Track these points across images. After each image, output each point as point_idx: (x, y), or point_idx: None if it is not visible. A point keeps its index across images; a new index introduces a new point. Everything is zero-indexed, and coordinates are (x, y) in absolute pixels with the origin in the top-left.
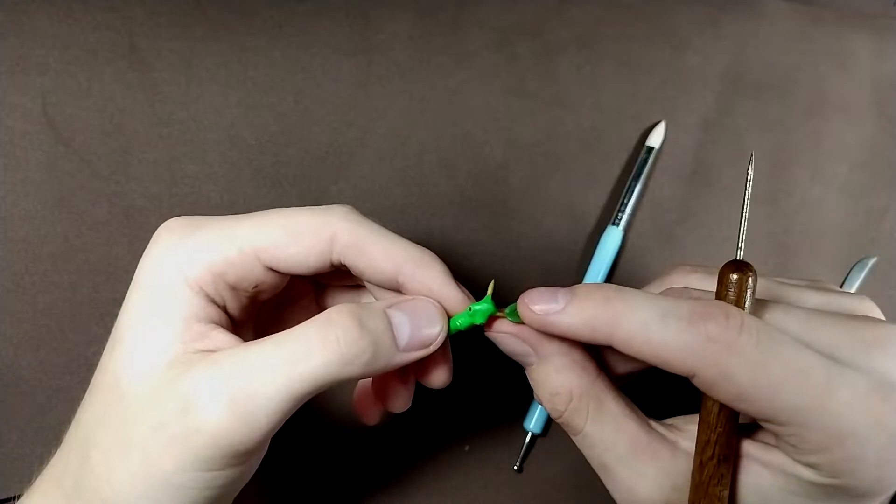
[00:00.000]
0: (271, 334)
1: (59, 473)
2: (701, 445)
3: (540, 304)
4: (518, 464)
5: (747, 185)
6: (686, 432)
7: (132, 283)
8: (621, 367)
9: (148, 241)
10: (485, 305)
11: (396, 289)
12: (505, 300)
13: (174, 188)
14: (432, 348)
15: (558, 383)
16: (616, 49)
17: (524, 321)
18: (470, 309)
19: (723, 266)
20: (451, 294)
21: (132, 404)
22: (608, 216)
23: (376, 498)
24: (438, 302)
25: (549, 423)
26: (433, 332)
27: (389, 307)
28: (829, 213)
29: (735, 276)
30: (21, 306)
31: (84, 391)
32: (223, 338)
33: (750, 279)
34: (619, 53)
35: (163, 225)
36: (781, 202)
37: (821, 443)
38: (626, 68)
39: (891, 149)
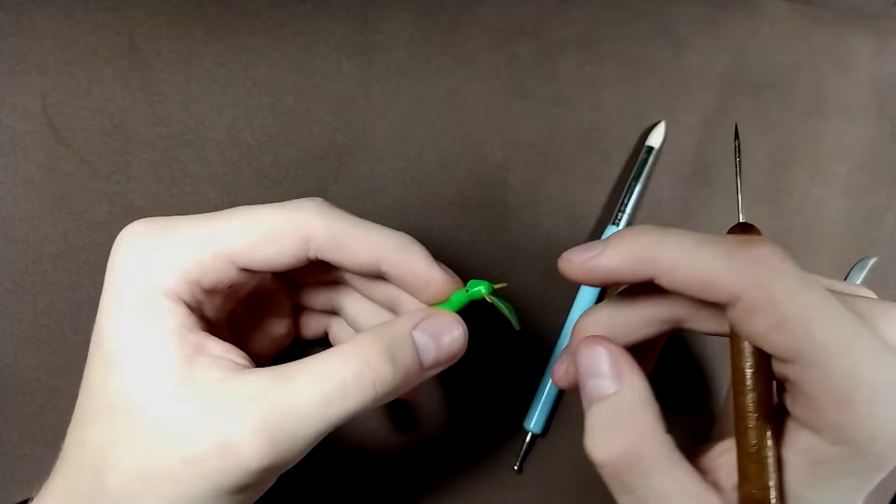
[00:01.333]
0: (251, 332)
1: (68, 499)
2: (743, 410)
3: (579, 254)
4: (518, 464)
5: (737, 152)
6: (722, 468)
7: (106, 294)
8: (637, 333)
9: None
10: (483, 283)
11: (379, 276)
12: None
13: (174, 188)
14: (456, 359)
15: (631, 421)
16: (616, 49)
17: (568, 277)
18: (466, 290)
19: (729, 230)
20: (437, 276)
21: (152, 432)
22: (608, 216)
23: (375, 498)
24: (426, 283)
25: (549, 423)
26: (455, 348)
27: (414, 328)
28: (829, 213)
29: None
30: (21, 306)
31: None
32: (217, 346)
33: None
34: (619, 53)
35: (126, 229)
36: (781, 202)
37: (841, 396)
38: (626, 68)
39: (891, 149)
